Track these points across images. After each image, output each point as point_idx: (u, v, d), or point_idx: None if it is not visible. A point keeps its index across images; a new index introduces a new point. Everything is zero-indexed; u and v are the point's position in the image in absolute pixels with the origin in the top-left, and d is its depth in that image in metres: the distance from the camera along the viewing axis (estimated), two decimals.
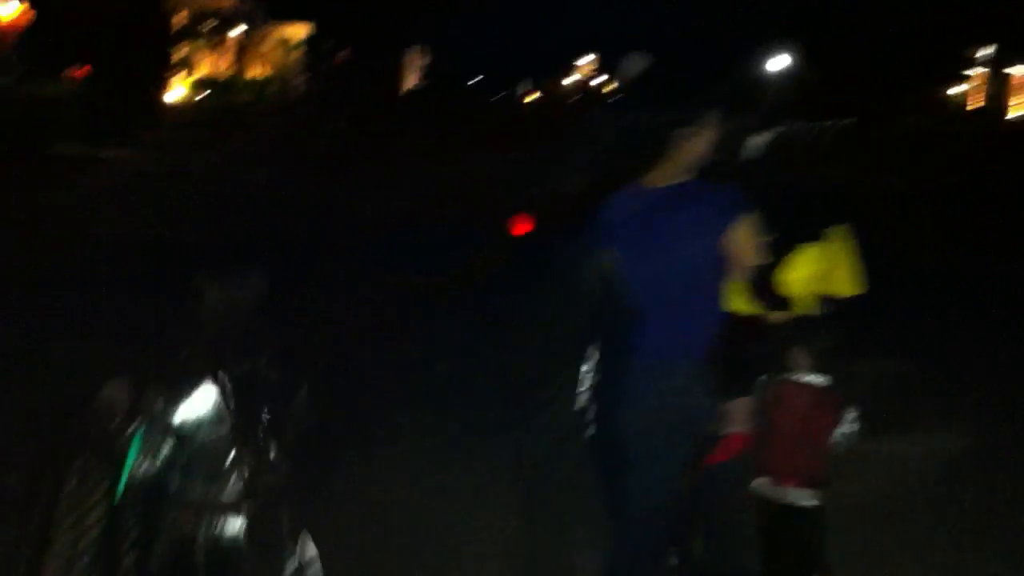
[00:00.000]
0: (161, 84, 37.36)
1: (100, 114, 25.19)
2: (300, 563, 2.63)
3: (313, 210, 14.62)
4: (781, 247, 3.12)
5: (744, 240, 3.00)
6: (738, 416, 3.22)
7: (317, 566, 2.68)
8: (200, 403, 2.46)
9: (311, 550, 2.68)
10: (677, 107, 3.10)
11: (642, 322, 3.14)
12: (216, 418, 2.46)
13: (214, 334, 2.51)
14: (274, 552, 2.59)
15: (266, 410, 2.55)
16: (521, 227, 8.27)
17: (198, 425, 2.45)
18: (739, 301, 3.15)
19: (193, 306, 2.53)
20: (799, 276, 3.11)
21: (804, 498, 3.29)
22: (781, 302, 3.11)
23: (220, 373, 2.48)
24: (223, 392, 2.47)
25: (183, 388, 2.47)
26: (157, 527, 2.42)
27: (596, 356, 3.37)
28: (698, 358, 3.10)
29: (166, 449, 2.42)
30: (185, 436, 2.44)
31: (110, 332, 6.27)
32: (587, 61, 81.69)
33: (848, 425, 3.27)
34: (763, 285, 3.08)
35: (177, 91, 40.49)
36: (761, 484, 3.37)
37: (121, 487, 2.37)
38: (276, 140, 26.72)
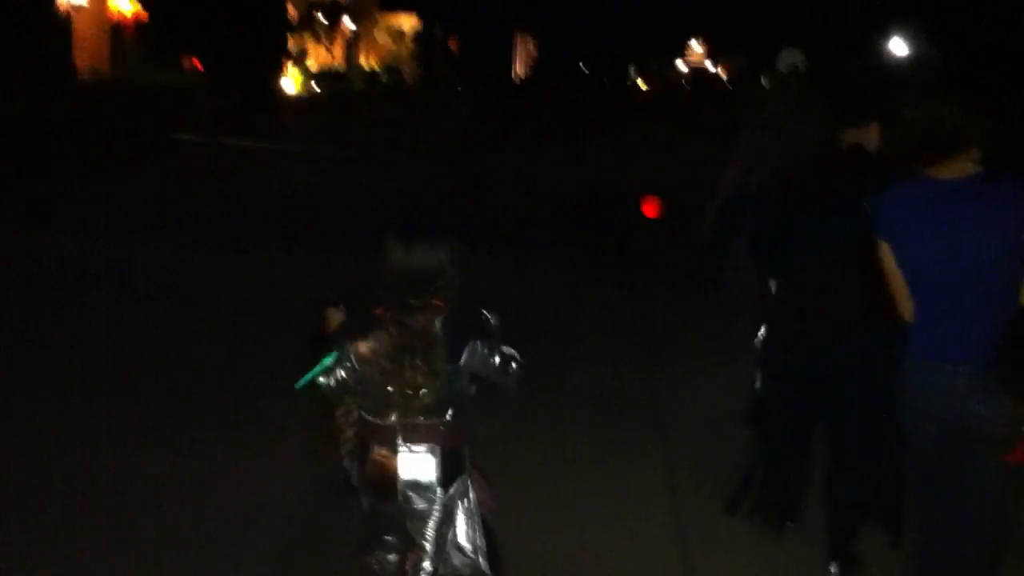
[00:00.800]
0: (275, 74, 36.91)
1: (217, 103, 24.67)
2: (475, 501, 3.05)
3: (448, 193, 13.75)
4: None
5: None
6: None
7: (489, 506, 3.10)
8: (376, 344, 2.93)
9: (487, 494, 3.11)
10: (983, 100, 3.04)
11: (922, 320, 3.11)
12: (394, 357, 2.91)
13: (403, 284, 2.90)
14: (457, 487, 3.01)
15: (458, 354, 2.93)
16: (651, 208, 9.06)
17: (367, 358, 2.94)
18: None
19: (382, 261, 2.92)
20: None
21: None
22: None
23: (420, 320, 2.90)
24: (409, 336, 2.89)
25: (367, 326, 2.95)
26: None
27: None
28: (983, 359, 2.99)
29: (343, 370, 2.96)
30: (362, 363, 2.95)
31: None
32: (698, 46, 79.57)
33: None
34: None
35: (290, 81, 40.09)
36: None
37: (304, 381, 2.99)
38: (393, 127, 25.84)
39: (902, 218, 3.12)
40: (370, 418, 2.99)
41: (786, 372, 3.99)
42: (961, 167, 3.04)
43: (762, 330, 4.24)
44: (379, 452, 2.96)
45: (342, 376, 2.97)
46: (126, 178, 13.35)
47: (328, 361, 2.95)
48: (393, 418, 2.94)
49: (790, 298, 3.95)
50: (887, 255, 3.17)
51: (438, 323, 2.92)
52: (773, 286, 4.17)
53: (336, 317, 3.08)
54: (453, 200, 12.79)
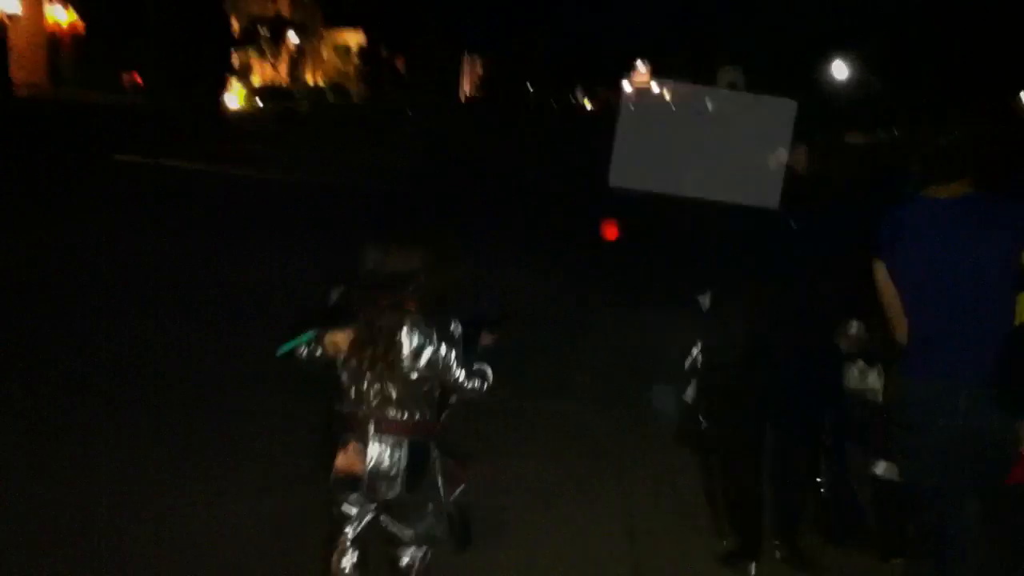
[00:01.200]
0: (218, 90, 36.14)
1: (158, 122, 23.97)
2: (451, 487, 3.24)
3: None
4: None
5: None
6: None
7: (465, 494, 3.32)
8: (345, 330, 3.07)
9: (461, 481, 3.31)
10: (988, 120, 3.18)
11: (921, 339, 3.12)
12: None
13: (375, 283, 3.03)
14: (425, 485, 3.14)
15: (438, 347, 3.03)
16: (611, 232, 8.81)
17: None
18: None
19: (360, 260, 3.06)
20: None
21: None
22: None
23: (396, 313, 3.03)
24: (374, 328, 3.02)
25: (342, 319, 3.08)
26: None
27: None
28: (984, 376, 2.98)
29: (317, 350, 3.10)
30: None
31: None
32: (643, 68, 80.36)
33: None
34: None
35: (234, 97, 39.30)
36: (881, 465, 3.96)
37: (283, 350, 3.10)
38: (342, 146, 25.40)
39: (901, 238, 3.13)
40: (343, 409, 3.10)
41: (725, 385, 4.08)
42: (959, 187, 3.08)
43: (697, 346, 4.30)
44: (349, 442, 3.06)
45: (317, 354, 3.09)
46: (67, 201, 12.71)
47: (306, 338, 3.09)
48: (363, 410, 3.05)
49: (734, 314, 4.04)
50: (882, 274, 3.17)
51: (407, 324, 3.00)
52: (706, 301, 4.27)
53: (332, 299, 3.21)
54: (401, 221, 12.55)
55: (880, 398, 4.02)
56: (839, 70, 34.06)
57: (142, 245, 9.28)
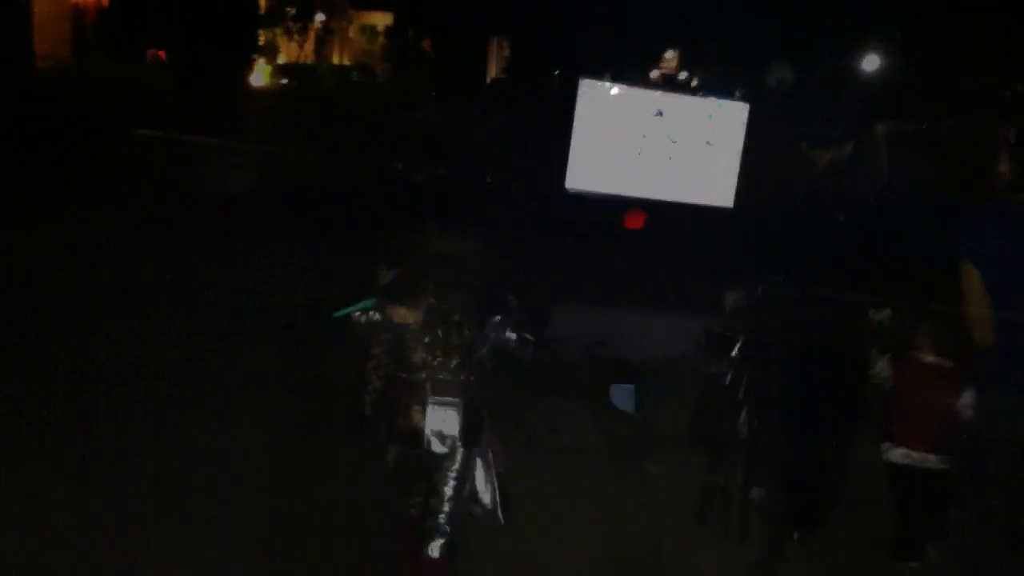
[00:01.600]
0: (243, 69, 36.09)
1: (182, 98, 23.96)
2: (489, 460, 3.51)
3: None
4: None
5: None
6: None
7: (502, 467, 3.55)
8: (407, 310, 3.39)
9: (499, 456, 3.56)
10: None
11: (1011, 347, 3.11)
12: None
13: (442, 262, 3.39)
14: (473, 440, 3.45)
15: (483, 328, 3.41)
16: (634, 221, 8.53)
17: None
18: None
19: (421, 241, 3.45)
20: None
21: (931, 462, 4.02)
22: None
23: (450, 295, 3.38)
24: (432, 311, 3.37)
25: (408, 293, 3.40)
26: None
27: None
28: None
29: (375, 316, 3.40)
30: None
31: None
32: (670, 55, 79.76)
33: (967, 403, 3.64)
34: None
35: (259, 75, 39.29)
36: (890, 450, 4.17)
37: (342, 312, 3.39)
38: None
39: (998, 247, 3.12)
40: (403, 375, 3.42)
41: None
42: None
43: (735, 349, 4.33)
44: (411, 407, 3.38)
45: (374, 319, 3.38)
46: (69, 198, 12.74)
47: (365, 305, 3.38)
48: (423, 375, 3.38)
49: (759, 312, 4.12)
50: (977, 282, 3.16)
51: (472, 296, 3.37)
52: (731, 300, 4.29)
53: (384, 277, 3.49)
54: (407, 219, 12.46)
55: (889, 385, 4.14)
56: (869, 62, 33.52)
57: (142, 245, 9.23)
